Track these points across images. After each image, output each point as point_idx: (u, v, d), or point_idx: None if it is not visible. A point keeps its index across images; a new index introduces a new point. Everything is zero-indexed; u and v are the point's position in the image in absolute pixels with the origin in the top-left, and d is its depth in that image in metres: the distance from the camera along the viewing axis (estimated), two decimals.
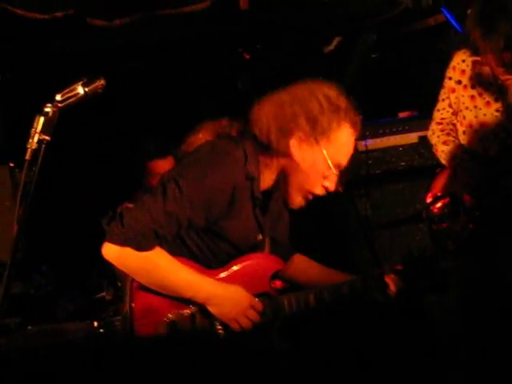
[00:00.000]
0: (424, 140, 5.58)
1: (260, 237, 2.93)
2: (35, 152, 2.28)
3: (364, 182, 5.59)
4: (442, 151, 4.07)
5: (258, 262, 2.86)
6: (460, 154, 3.95)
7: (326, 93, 2.82)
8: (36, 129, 2.30)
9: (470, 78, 3.87)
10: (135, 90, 6.56)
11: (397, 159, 5.62)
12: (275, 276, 2.94)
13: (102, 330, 4.01)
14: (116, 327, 3.93)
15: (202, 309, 2.75)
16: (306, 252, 5.96)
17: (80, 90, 2.45)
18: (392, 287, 3.10)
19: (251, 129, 2.85)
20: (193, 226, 2.72)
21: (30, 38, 6.09)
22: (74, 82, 2.49)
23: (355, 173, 5.62)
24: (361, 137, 5.56)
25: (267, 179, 2.88)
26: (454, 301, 3.98)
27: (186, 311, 2.75)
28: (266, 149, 2.81)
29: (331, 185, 2.92)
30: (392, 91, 6.63)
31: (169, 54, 6.40)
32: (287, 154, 2.80)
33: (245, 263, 2.83)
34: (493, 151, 3.81)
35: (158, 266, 2.67)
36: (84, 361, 3.32)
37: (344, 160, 2.90)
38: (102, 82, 2.53)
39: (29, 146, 2.28)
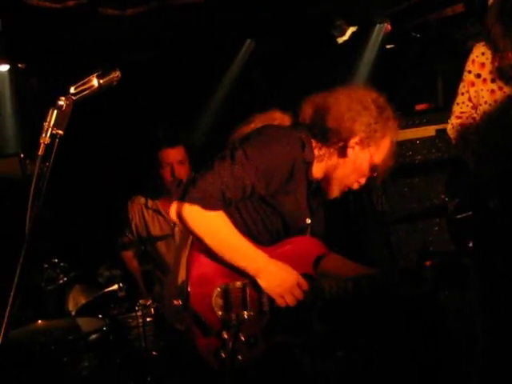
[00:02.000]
0: (441, 133, 5.49)
1: (308, 221, 3.09)
2: (48, 146, 2.21)
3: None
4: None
5: (306, 245, 3.02)
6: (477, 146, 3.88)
7: (376, 100, 3.05)
8: (49, 123, 2.22)
9: (490, 72, 3.79)
10: (145, 80, 6.51)
11: (414, 152, 5.54)
12: (318, 260, 3.06)
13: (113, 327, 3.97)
14: (128, 325, 3.89)
15: (252, 282, 2.87)
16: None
17: (95, 82, 2.37)
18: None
19: (305, 122, 3.07)
20: (254, 195, 2.88)
21: (43, 27, 6.05)
22: (89, 73, 2.40)
23: None
24: None
25: (317, 171, 3.05)
26: (473, 298, 3.90)
27: (238, 283, 2.85)
28: (322, 143, 3.01)
29: (364, 181, 3.12)
30: (409, 83, 6.55)
31: (181, 43, 6.35)
32: (342, 153, 3.00)
33: (293, 244, 2.97)
34: None
35: (220, 229, 2.82)
36: (94, 357, 3.29)
37: (382, 164, 3.10)
38: (118, 73, 2.45)
39: (42, 140, 2.20)
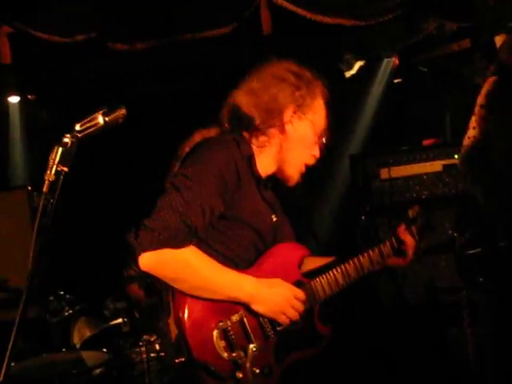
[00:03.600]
0: (449, 169, 5.50)
1: (274, 218, 2.93)
2: (53, 183, 2.21)
3: (387, 211, 5.51)
4: None
5: (286, 252, 2.89)
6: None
7: (290, 68, 2.93)
8: (54, 160, 2.23)
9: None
10: (154, 113, 6.55)
11: (420, 188, 5.54)
12: (301, 263, 2.96)
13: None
14: (132, 360, 3.87)
15: (247, 309, 2.73)
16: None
17: (100, 119, 2.37)
18: (407, 241, 3.18)
19: (235, 123, 2.95)
20: (214, 214, 2.70)
21: (53, 60, 6.10)
22: (94, 111, 2.42)
23: (378, 201, 5.55)
24: (384, 164, 5.60)
25: (265, 163, 2.93)
26: (485, 334, 3.88)
27: (234, 317, 2.70)
28: (257, 132, 2.89)
29: (317, 152, 3.00)
30: (416, 118, 6.57)
31: (190, 77, 6.39)
32: (282, 132, 2.89)
33: (274, 255, 2.85)
34: None
35: (200, 265, 2.64)
36: None
37: (324, 125, 2.99)
38: (123, 111, 2.45)
39: (46, 177, 2.21)
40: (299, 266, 2.90)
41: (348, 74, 7.01)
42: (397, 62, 7.01)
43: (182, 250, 2.58)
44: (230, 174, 2.73)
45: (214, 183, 2.66)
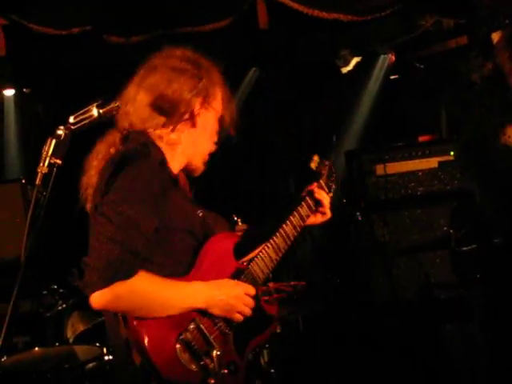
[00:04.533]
0: (444, 165, 5.49)
1: (200, 213, 2.83)
2: (46, 176, 2.20)
3: (382, 207, 5.50)
4: None
5: (218, 246, 2.80)
6: None
7: (187, 57, 2.84)
8: (47, 152, 2.21)
9: None
10: None
11: (416, 184, 5.52)
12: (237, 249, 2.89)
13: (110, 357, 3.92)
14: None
15: (201, 313, 2.66)
16: (323, 276, 5.93)
17: (94, 112, 2.36)
18: (322, 198, 3.19)
19: (139, 124, 2.77)
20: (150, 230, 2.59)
21: (48, 53, 6.08)
22: (89, 103, 2.40)
23: (373, 197, 5.54)
24: (380, 160, 5.59)
25: (177, 161, 2.84)
26: (478, 331, 3.89)
27: (191, 325, 2.63)
28: (165, 133, 2.76)
29: (216, 138, 2.94)
30: (412, 114, 6.57)
31: None
32: (187, 128, 2.80)
33: (208, 253, 2.76)
34: None
35: (152, 290, 2.54)
36: None
37: (227, 112, 2.93)
38: (118, 104, 2.44)
39: (39, 170, 2.19)
40: (234, 254, 2.84)
41: (344, 70, 7.01)
42: (393, 58, 7.00)
43: (132, 279, 2.45)
44: (156, 186, 2.59)
45: (144, 201, 2.53)
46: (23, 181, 6.20)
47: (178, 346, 2.56)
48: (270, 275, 2.98)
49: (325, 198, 3.18)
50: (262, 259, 2.90)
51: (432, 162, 5.55)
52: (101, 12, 5.03)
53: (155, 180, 2.59)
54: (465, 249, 4.08)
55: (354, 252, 5.62)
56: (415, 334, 5.03)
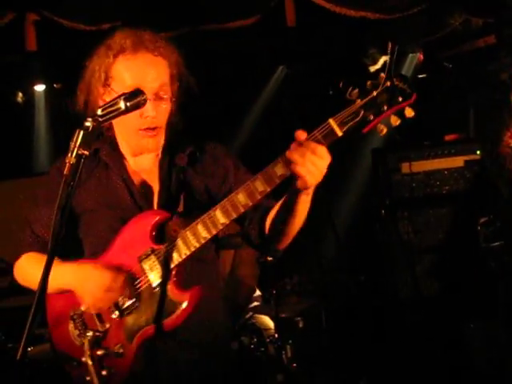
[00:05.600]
0: (470, 164, 5.48)
1: (137, 197, 2.82)
2: (73, 166, 2.24)
3: (407, 205, 5.50)
4: None
5: (135, 225, 2.75)
6: None
7: (106, 42, 2.86)
8: (75, 143, 2.25)
9: None
10: None
11: (441, 183, 5.52)
12: (160, 229, 2.73)
13: None
14: None
15: None
16: (347, 273, 5.93)
17: (121, 104, 2.40)
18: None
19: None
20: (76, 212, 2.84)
21: (77, 49, 6.13)
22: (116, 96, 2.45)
23: (398, 195, 5.54)
24: (405, 159, 5.58)
25: (122, 145, 2.89)
26: (502, 329, 3.88)
27: (83, 307, 2.74)
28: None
29: (150, 110, 2.71)
30: (439, 113, 6.54)
31: (212, 68, 6.40)
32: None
33: (123, 233, 2.76)
34: None
35: (28, 267, 2.90)
36: None
37: (141, 80, 2.72)
38: (144, 96, 2.48)
39: (67, 160, 2.23)
40: (154, 233, 2.70)
41: (372, 69, 6.99)
42: (421, 57, 6.98)
43: (20, 259, 2.95)
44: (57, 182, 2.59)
45: (38, 203, 2.93)
46: None
47: (70, 321, 2.76)
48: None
49: (299, 160, 2.39)
50: (185, 239, 2.63)
51: (458, 161, 5.54)
52: (131, 8, 5.08)
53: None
54: (493, 245, 4.08)
55: (378, 249, 5.63)
56: (438, 331, 5.03)
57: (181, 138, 2.92)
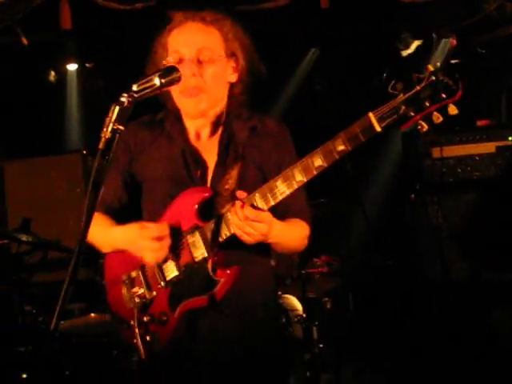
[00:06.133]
0: (502, 150, 5.44)
1: (194, 170, 2.87)
2: (108, 141, 2.27)
3: (437, 190, 5.48)
4: None
5: (183, 199, 2.82)
6: None
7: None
8: (111, 118, 2.27)
9: None
10: None
11: (472, 168, 5.48)
12: (209, 203, 2.79)
13: None
14: None
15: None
16: (375, 255, 5.94)
17: (156, 80, 2.42)
18: None
19: None
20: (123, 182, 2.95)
21: (110, 28, 6.17)
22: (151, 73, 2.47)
23: (428, 180, 5.52)
24: (436, 143, 5.56)
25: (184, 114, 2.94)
26: None
27: (136, 271, 2.85)
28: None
29: (188, 72, 2.77)
30: (471, 98, 6.50)
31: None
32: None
33: (173, 206, 2.84)
34: None
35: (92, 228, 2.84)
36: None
37: (181, 43, 2.84)
38: (179, 74, 2.51)
39: (103, 134, 2.26)
40: (198, 209, 2.77)
41: (405, 53, 6.96)
42: (454, 42, 6.93)
43: None
44: (131, 145, 2.92)
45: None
46: (84, 152, 6.35)
47: (123, 285, 2.86)
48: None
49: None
50: (225, 220, 2.68)
51: (489, 147, 5.50)
52: None
53: (130, 140, 2.90)
54: None
55: (408, 232, 5.62)
56: (465, 316, 5.02)
57: (242, 110, 2.95)
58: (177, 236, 2.77)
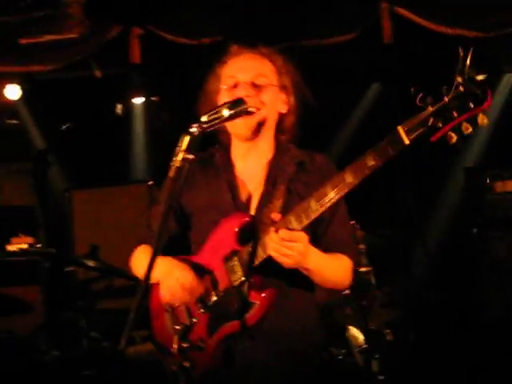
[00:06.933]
0: None
1: (240, 197, 2.91)
2: (178, 169, 2.34)
3: (499, 225, 5.43)
4: None
5: (223, 226, 2.86)
6: None
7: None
8: (181, 147, 2.36)
9: None
10: None
11: None
12: (245, 232, 2.81)
13: None
14: None
15: None
16: (436, 293, 5.89)
17: (225, 112, 2.52)
18: None
19: None
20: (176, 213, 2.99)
21: (179, 63, 6.31)
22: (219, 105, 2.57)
23: (491, 214, 5.49)
24: (499, 177, 5.52)
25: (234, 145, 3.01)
26: None
27: None
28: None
29: (242, 93, 2.80)
30: None
31: (310, 82, 6.48)
32: None
33: (214, 234, 2.87)
34: None
35: (134, 258, 3.08)
36: None
37: (237, 69, 2.92)
38: (246, 105, 2.60)
39: (173, 163, 2.34)
40: (238, 236, 2.79)
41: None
42: None
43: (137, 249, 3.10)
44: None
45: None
46: (150, 182, 6.48)
47: (166, 313, 2.90)
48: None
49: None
50: (262, 243, 2.69)
51: None
52: (231, 23, 5.19)
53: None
54: None
55: (469, 269, 5.58)
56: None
57: (291, 146, 3.00)
58: (215, 265, 2.82)
